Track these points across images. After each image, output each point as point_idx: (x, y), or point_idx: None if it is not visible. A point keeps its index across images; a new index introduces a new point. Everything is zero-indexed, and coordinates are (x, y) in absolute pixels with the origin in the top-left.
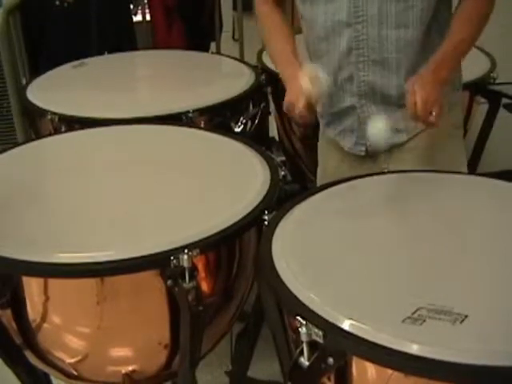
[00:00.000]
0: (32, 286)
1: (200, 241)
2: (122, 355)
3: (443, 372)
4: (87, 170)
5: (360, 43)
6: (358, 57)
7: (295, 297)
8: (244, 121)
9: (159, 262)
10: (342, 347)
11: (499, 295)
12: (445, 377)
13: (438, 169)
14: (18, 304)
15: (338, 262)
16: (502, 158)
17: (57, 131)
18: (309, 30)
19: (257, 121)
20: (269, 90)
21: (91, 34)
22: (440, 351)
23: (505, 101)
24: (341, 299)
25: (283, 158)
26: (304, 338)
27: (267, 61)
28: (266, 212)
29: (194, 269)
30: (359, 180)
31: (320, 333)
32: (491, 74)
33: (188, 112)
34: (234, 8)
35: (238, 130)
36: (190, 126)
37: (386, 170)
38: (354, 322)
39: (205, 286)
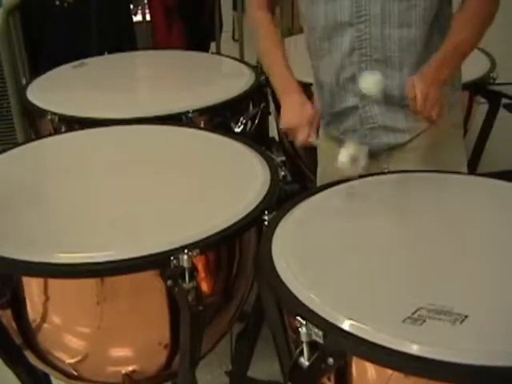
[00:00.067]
0: (32, 286)
1: (200, 241)
2: (122, 355)
3: (443, 372)
4: (87, 171)
5: (363, 43)
6: (360, 56)
7: (295, 297)
8: (244, 121)
9: (159, 262)
10: (341, 347)
11: (499, 295)
12: (445, 377)
13: (439, 169)
14: (18, 304)
15: (338, 262)
16: (502, 158)
17: (57, 131)
18: (310, 29)
19: (257, 121)
20: (269, 90)
21: (91, 34)
22: (440, 351)
23: (505, 101)
24: (341, 299)
25: (283, 158)
26: (304, 338)
27: None
28: (266, 212)
29: (193, 269)
30: (359, 180)
31: (320, 333)
32: (491, 74)
33: (188, 112)
34: (234, 8)
35: (238, 130)
36: (190, 126)
37: (386, 170)
38: (353, 322)
39: (205, 286)
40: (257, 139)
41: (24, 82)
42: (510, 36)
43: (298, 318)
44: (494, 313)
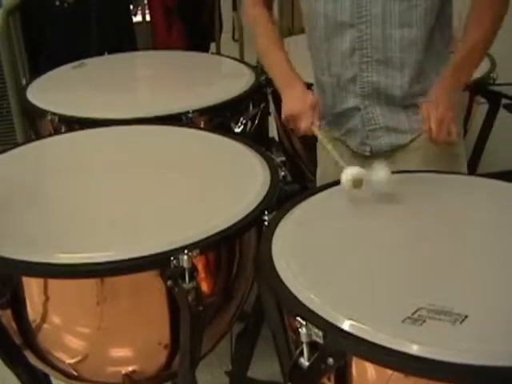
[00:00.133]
0: (32, 286)
1: (200, 241)
2: (122, 355)
3: (443, 372)
4: (87, 171)
5: (363, 43)
6: (361, 57)
7: (295, 297)
8: (244, 121)
9: (159, 263)
10: (341, 347)
11: (499, 295)
12: (445, 377)
13: (439, 169)
14: (17, 304)
15: (338, 262)
16: (502, 158)
17: (57, 132)
18: (311, 29)
19: (257, 121)
20: (269, 90)
21: (91, 34)
22: (440, 351)
23: (505, 101)
24: (341, 299)
25: (283, 159)
26: (304, 338)
27: None
28: (266, 212)
29: (193, 269)
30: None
31: (320, 333)
32: (491, 75)
33: (188, 112)
34: (234, 8)
35: (237, 130)
36: (190, 127)
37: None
38: (353, 323)
39: (205, 287)
40: (257, 139)
41: (24, 82)
42: (509, 37)
43: (298, 318)
44: (494, 313)
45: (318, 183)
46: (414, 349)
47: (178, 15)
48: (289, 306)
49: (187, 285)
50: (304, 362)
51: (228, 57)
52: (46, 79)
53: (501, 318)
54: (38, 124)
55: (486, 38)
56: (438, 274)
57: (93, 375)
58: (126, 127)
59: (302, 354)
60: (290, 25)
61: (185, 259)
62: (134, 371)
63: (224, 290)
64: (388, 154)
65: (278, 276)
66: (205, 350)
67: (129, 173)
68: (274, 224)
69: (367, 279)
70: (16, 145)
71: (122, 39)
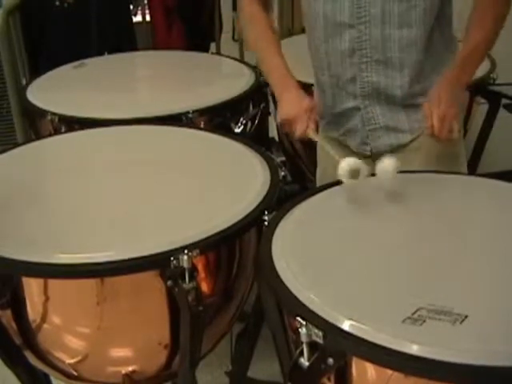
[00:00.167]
0: (32, 287)
1: (200, 241)
2: (122, 355)
3: (443, 372)
4: (87, 171)
5: (363, 44)
6: (361, 57)
7: (295, 297)
8: (244, 121)
9: (159, 263)
10: (341, 347)
11: (499, 295)
12: (445, 377)
13: (439, 169)
14: (17, 304)
15: (338, 262)
16: (502, 158)
17: (57, 132)
18: (310, 29)
19: (257, 121)
20: (269, 90)
21: (91, 34)
22: (440, 351)
23: (505, 101)
24: (341, 299)
25: (283, 159)
26: (304, 338)
27: None
28: (266, 212)
29: (193, 269)
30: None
31: (320, 333)
32: (491, 75)
33: (188, 112)
34: (234, 8)
35: (237, 130)
36: (190, 127)
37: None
38: (353, 323)
39: (205, 287)
40: (257, 139)
41: (24, 82)
42: (510, 37)
43: (298, 318)
44: (494, 313)
45: (318, 183)
46: (414, 349)
47: (178, 15)
48: (289, 306)
49: (187, 285)
50: (304, 362)
51: (228, 57)
52: (46, 79)
53: (501, 318)
54: (38, 124)
55: (488, 38)
56: (438, 274)
57: (93, 375)
58: (125, 127)
59: (301, 354)
60: (289, 25)
61: (185, 259)
62: (134, 371)
63: (224, 290)
64: (388, 153)
65: (277, 276)
66: (205, 350)
67: (129, 173)
68: (274, 224)
69: (367, 279)
70: (16, 145)
71: (122, 39)
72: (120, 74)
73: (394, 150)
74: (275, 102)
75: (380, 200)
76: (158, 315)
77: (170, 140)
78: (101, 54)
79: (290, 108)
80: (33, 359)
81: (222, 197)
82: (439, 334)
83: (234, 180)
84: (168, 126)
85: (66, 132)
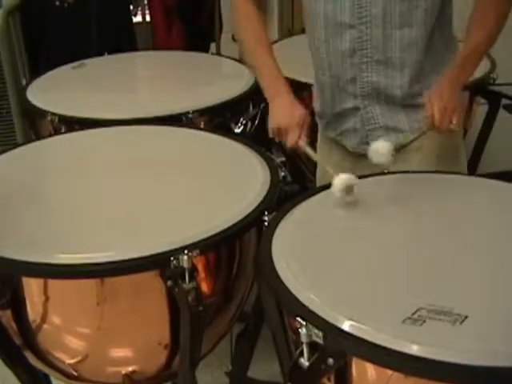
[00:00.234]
0: (32, 287)
1: (200, 241)
2: (122, 356)
3: (443, 372)
4: (87, 171)
5: (363, 44)
6: (361, 57)
7: (295, 297)
8: (244, 121)
9: (159, 263)
10: (341, 348)
11: (499, 295)
12: (445, 377)
13: (439, 169)
14: (17, 304)
15: (338, 262)
16: (502, 158)
17: (57, 132)
18: (311, 30)
19: (257, 121)
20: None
21: (91, 34)
22: (440, 352)
23: (505, 101)
24: (341, 300)
25: (283, 159)
26: (304, 338)
27: None
28: (266, 212)
29: (193, 269)
30: (359, 180)
31: (320, 333)
32: (491, 75)
33: (188, 113)
34: None
35: (237, 130)
36: (190, 127)
37: (386, 171)
38: (353, 323)
39: (205, 287)
40: (257, 140)
41: (24, 82)
42: (510, 37)
43: (298, 318)
44: (494, 313)
45: (318, 183)
46: (414, 349)
47: (177, 15)
48: (289, 306)
49: (187, 285)
50: (304, 362)
51: (228, 57)
52: (46, 79)
53: (501, 318)
54: (38, 124)
55: (489, 38)
56: (438, 274)
57: (93, 375)
58: (126, 127)
59: (302, 354)
60: (289, 25)
61: (185, 259)
62: (134, 371)
63: (224, 290)
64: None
65: (277, 276)
66: (205, 350)
67: (129, 173)
68: (274, 224)
69: (367, 279)
70: (16, 145)
71: (122, 39)
72: (120, 74)
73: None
74: None
75: (380, 200)
76: (158, 315)
77: (170, 140)
78: (101, 54)
79: (282, 117)
80: (33, 359)
81: (222, 197)
82: (439, 334)
83: (234, 180)
84: (168, 126)
85: (65, 132)
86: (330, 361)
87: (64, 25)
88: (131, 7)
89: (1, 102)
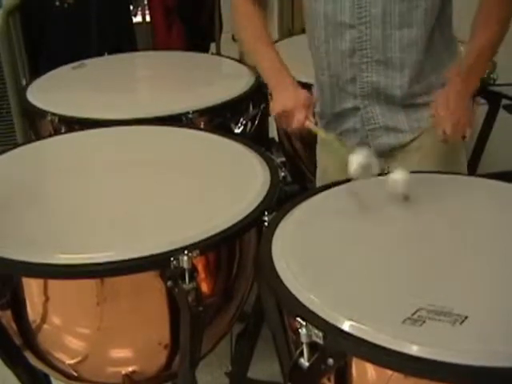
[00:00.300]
0: (32, 287)
1: (200, 242)
2: (122, 356)
3: (443, 373)
4: (87, 171)
5: (363, 44)
6: (361, 58)
7: (295, 298)
8: (244, 122)
9: (159, 263)
10: (341, 348)
11: (499, 295)
12: (445, 378)
13: (439, 169)
14: (17, 305)
15: (338, 262)
16: (502, 158)
17: (57, 132)
18: (311, 29)
19: (257, 122)
20: (269, 90)
21: (91, 34)
22: (440, 352)
23: (505, 102)
24: (341, 300)
25: (283, 159)
26: (304, 338)
27: None
28: (266, 213)
29: (193, 270)
30: (359, 180)
31: (320, 334)
32: (491, 75)
33: (188, 113)
34: None
35: (237, 130)
36: (190, 127)
37: (386, 171)
38: (353, 323)
39: (205, 287)
40: (257, 140)
41: (24, 82)
42: (510, 37)
43: (298, 318)
44: (494, 313)
45: (318, 184)
46: (413, 349)
47: (177, 15)
48: (289, 306)
49: (187, 285)
50: (304, 362)
51: (228, 57)
52: (46, 80)
53: (501, 319)
54: (38, 124)
55: (494, 40)
56: (438, 274)
57: (93, 376)
58: (126, 128)
59: (302, 354)
60: (289, 25)
61: (185, 260)
62: (134, 371)
63: (224, 290)
64: (387, 153)
65: (277, 276)
66: (205, 350)
67: (129, 173)
68: (274, 224)
69: (367, 279)
70: (16, 145)
71: (122, 39)
72: (120, 74)
73: (393, 150)
74: None
75: (380, 200)
76: (158, 315)
77: (170, 140)
78: (101, 54)
79: (287, 100)
80: (33, 360)
81: (222, 197)
82: (439, 334)
83: (234, 180)
84: (168, 127)
85: (65, 132)
86: (330, 361)
87: (64, 25)
88: (131, 7)
89: (1, 102)
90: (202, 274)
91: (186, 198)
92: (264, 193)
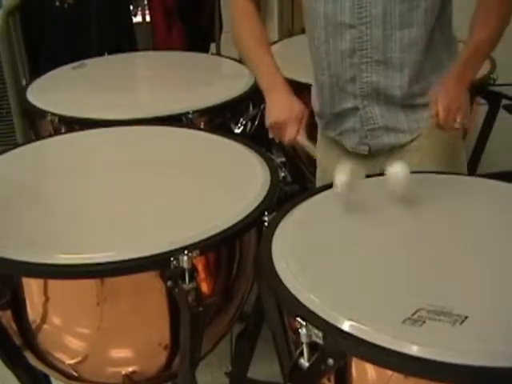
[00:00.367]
0: (32, 287)
1: (200, 242)
2: (122, 356)
3: (443, 373)
4: (87, 171)
5: (363, 44)
6: (361, 58)
7: (295, 298)
8: (244, 122)
9: (159, 263)
10: (341, 348)
11: (499, 295)
12: (445, 378)
13: (439, 169)
14: (18, 305)
15: (338, 262)
16: (502, 159)
17: (57, 132)
18: (311, 29)
19: (257, 122)
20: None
21: (91, 34)
22: (440, 352)
23: (505, 102)
24: (341, 300)
25: (283, 159)
26: (304, 338)
27: None
28: (266, 213)
29: (193, 270)
30: (359, 180)
31: (320, 334)
32: (491, 75)
33: (188, 113)
34: None
35: (237, 130)
36: (190, 127)
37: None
38: (353, 323)
39: (205, 287)
40: (257, 140)
41: (24, 82)
42: (510, 37)
43: (298, 318)
44: (494, 313)
45: (318, 184)
46: (413, 349)
47: (177, 15)
48: (289, 306)
49: (187, 285)
50: (304, 362)
51: (228, 57)
52: (46, 80)
53: (501, 319)
54: (38, 124)
55: (492, 37)
56: (438, 274)
57: (93, 376)
58: (125, 128)
59: (301, 354)
60: (289, 25)
61: (185, 260)
62: (133, 372)
63: (224, 290)
64: (387, 153)
65: (277, 276)
66: (205, 350)
67: (129, 173)
68: (274, 224)
69: (367, 279)
70: (16, 145)
71: (122, 39)
72: (120, 74)
73: (393, 150)
74: None
75: (380, 200)
76: (158, 316)
77: (170, 140)
78: (101, 54)
79: (280, 112)
80: (33, 360)
81: (222, 197)
82: (439, 334)
83: (234, 180)
84: (168, 127)
85: (65, 132)
86: (330, 361)
87: (64, 25)
88: (131, 7)
89: (1, 102)
90: (201, 274)
91: (186, 198)
92: (264, 193)
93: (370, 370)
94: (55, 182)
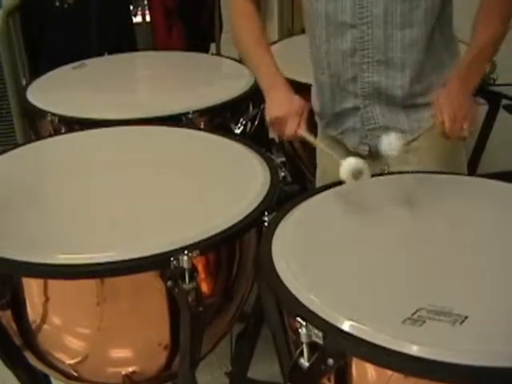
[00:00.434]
0: (32, 287)
1: (200, 242)
2: (122, 356)
3: (443, 373)
4: (87, 171)
5: (365, 44)
6: (362, 57)
7: (295, 298)
8: (244, 122)
9: (159, 263)
10: (341, 348)
11: (499, 295)
12: (445, 378)
13: (439, 169)
14: (18, 305)
15: (338, 262)
16: (502, 159)
17: (57, 132)
18: (312, 29)
19: (257, 122)
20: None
21: (91, 34)
22: (440, 352)
23: (505, 102)
24: (341, 300)
25: (283, 159)
26: (304, 338)
27: None
28: (266, 213)
29: (193, 270)
30: (359, 181)
31: (320, 334)
32: (491, 75)
33: (188, 113)
34: None
35: (237, 131)
36: (190, 127)
37: (385, 171)
38: (353, 323)
39: (205, 287)
40: (257, 140)
41: (24, 82)
42: (510, 37)
43: (298, 318)
44: (494, 313)
45: (318, 184)
46: (413, 349)
47: (177, 16)
48: (289, 306)
49: (187, 285)
50: (304, 362)
51: (228, 57)
52: (46, 80)
53: (501, 319)
54: (38, 124)
55: (495, 38)
56: (438, 274)
57: (93, 376)
58: (125, 128)
59: (301, 354)
60: (289, 25)
61: (185, 260)
62: (133, 372)
63: (224, 290)
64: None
65: (277, 276)
66: (205, 350)
67: (129, 173)
68: (274, 224)
69: (367, 279)
70: (16, 145)
71: (122, 40)
72: (120, 74)
73: None
74: None
75: (380, 200)
76: (158, 316)
77: (170, 140)
78: (101, 54)
79: (280, 107)
80: (33, 360)
81: (222, 197)
82: (439, 334)
83: (234, 180)
84: (168, 127)
85: (65, 132)
86: (330, 361)
87: (64, 25)
88: (131, 7)
89: (1, 102)
90: (201, 274)
91: (186, 198)
92: (264, 193)
93: (370, 369)
94: (55, 182)
